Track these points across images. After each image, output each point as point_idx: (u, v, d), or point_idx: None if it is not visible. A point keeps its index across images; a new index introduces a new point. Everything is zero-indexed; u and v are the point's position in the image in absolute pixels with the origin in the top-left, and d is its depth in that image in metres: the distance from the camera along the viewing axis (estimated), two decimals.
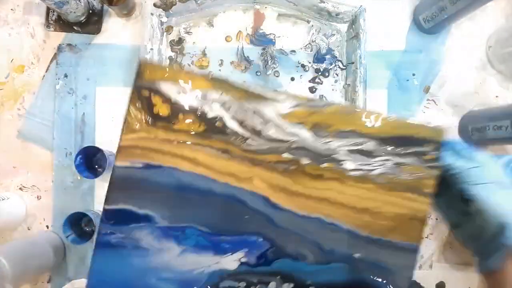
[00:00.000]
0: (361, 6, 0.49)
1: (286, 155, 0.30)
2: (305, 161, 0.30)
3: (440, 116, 0.54)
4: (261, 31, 0.52)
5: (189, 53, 0.51)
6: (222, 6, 0.51)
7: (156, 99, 0.29)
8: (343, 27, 0.53)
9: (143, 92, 0.29)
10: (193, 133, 0.29)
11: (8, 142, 0.51)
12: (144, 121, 0.29)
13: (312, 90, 0.52)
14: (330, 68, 0.52)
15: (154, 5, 0.48)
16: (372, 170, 0.30)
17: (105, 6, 0.51)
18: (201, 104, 0.29)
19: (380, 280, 0.29)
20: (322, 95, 0.52)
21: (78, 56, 0.51)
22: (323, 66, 0.52)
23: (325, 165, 0.30)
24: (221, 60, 0.51)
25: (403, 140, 0.30)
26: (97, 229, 0.29)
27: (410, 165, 0.30)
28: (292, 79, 0.52)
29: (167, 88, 0.29)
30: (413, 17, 0.53)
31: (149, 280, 0.28)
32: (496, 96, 0.54)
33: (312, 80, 0.52)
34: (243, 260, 0.29)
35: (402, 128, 0.31)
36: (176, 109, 0.29)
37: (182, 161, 0.29)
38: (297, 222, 0.29)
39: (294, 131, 0.30)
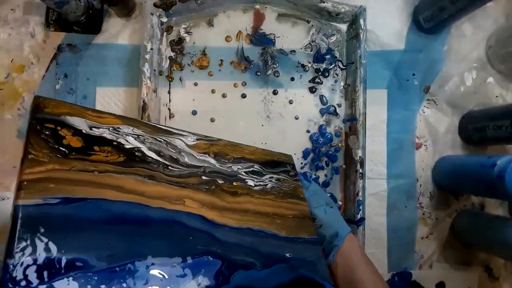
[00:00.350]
0: (361, 6, 0.49)
1: (204, 178, 0.34)
2: (220, 181, 0.35)
3: (440, 116, 0.54)
4: (261, 31, 0.52)
5: (189, 53, 0.51)
6: (222, 6, 0.51)
7: (64, 132, 0.27)
8: (343, 27, 0.53)
9: (47, 125, 0.26)
10: (113, 163, 0.28)
11: (8, 142, 0.51)
12: (53, 153, 0.25)
13: (312, 90, 0.52)
14: (330, 68, 0.52)
15: (154, 5, 0.48)
16: (266, 185, 0.39)
17: (105, 6, 0.51)
18: (115, 137, 0.29)
19: (312, 273, 0.33)
20: (322, 95, 0.52)
21: (78, 56, 0.51)
22: (323, 66, 0.52)
23: (235, 183, 0.36)
24: (221, 60, 0.51)
25: (273, 163, 0.42)
26: None
27: (285, 179, 0.41)
28: (292, 79, 0.52)
29: (75, 122, 0.28)
30: (413, 17, 0.53)
31: None
32: (496, 96, 0.54)
33: (312, 80, 0.52)
34: (204, 284, 0.26)
35: (269, 155, 0.43)
36: (89, 141, 0.28)
37: (108, 190, 0.26)
38: (234, 235, 0.32)
39: (203, 158, 0.36)
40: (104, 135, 0.29)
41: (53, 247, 0.21)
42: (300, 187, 0.42)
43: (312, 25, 0.52)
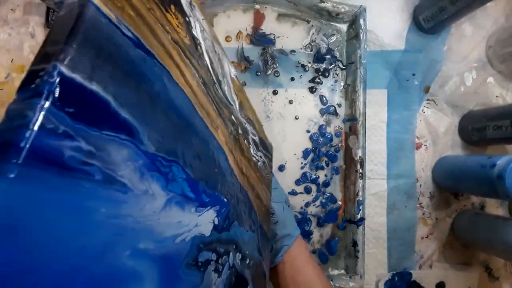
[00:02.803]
0: (361, 6, 0.49)
1: (233, 117, 0.31)
2: (239, 130, 0.32)
3: (440, 116, 0.54)
4: (261, 31, 0.52)
5: None
6: (222, 6, 0.51)
7: None
8: (343, 27, 0.53)
9: None
10: (182, 39, 0.22)
11: None
12: None
13: (312, 90, 0.52)
14: (330, 68, 0.52)
15: None
16: (258, 161, 0.37)
17: None
18: (188, 13, 0.24)
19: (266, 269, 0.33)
20: (322, 95, 0.52)
21: None
22: (323, 66, 0.52)
23: (246, 142, 0.33)
24: None
25: (264, 144, 0.40)
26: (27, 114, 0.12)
27: (266, 166, 0.39)
28: (292, 79, 0.52)
29: None
30: (413, 17, 0.53)
31: (118, 254, 0.14)
32: (496, 96, 0.54)
33: (312, 80, 0.52)
34: (215, 221, 0.24)
35: (263, 133, 0.41)
36: None
37: (173, 65, 0.21)
38: (237, 190, 0.29)
39: (234, 98, 0.31)
40: (182, 0, 0.23)
41: (106, 83, 0.15)
42: (271, 182, 0.41)
43: (312, 25, 0.52)
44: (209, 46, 0.26)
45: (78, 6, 0.14)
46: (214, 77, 0.27)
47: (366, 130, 0.49)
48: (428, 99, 0.54)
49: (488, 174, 0.42)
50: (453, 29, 0.53)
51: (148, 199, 0.16)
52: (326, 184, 0.52)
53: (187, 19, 0.23)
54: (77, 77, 0.13)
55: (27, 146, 0.11)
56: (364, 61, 0.49)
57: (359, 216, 0.48)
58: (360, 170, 0.48)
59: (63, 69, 0.12)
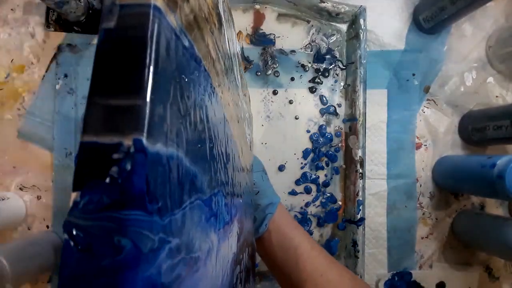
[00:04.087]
0: (361, 6, 0.49)
1: (239, 103, 0.26)
2: (241, 115, 0.29)
3: (440, 116, 0.54)
4: (261, 31, 0.52)
5: None
6: None
7: None
8: (343, 27, 0.53)
9: None
10: (219, 46, 0.17)
11: (8, 142, 0.51)
12: None
13: (312, 90, 0.52)
14: (330, 68, 0.52)
15: None
16: (249, 142, 0.33)
17: None
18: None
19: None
20: (322, 95, 0.52)
21: (78, 56, 0.51)
22: (323, 66, 0.52)
23: (243, 125, 0.30)
24: None
25: (250, 120, 0.37)
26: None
27: (251, 142, 0.36)
28: (292, 79, 0.52)
29: None
30: (413, 17, 0.53)
31: None
32: (496, 96, 0.54)
33: (312, 80, 0.52)
34: (238, 231, 0.21)
35: (249, 106, 0.38)
36: None
37: (213, 68, 0.16)
38: (245, 183, 0.26)
39: (239, 77, 0.27)
40: None
41: (179, 143, 0.10)
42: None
43: (312, 25, 0.52)
44: (225, 19, 0.20)
45: (139, 17, 0.09)
46: (231, 60, 0.22)
47: (366, 130, 0.50)
48: (428, 99, 0.54)
49: (488, 174, 0.42)
50: (453, 29, 0.53)
51: (209, 256, 0.13)
52: (326, 184, 0.52)
53: (217, 10, 0.18)
54: (160, 148, 0.08)
55: None
56: (364, 61, 0.49)
57: (359, 216, 0.48)
58: (360, 170, 0.48)
59: (147, 144, 0.08)
